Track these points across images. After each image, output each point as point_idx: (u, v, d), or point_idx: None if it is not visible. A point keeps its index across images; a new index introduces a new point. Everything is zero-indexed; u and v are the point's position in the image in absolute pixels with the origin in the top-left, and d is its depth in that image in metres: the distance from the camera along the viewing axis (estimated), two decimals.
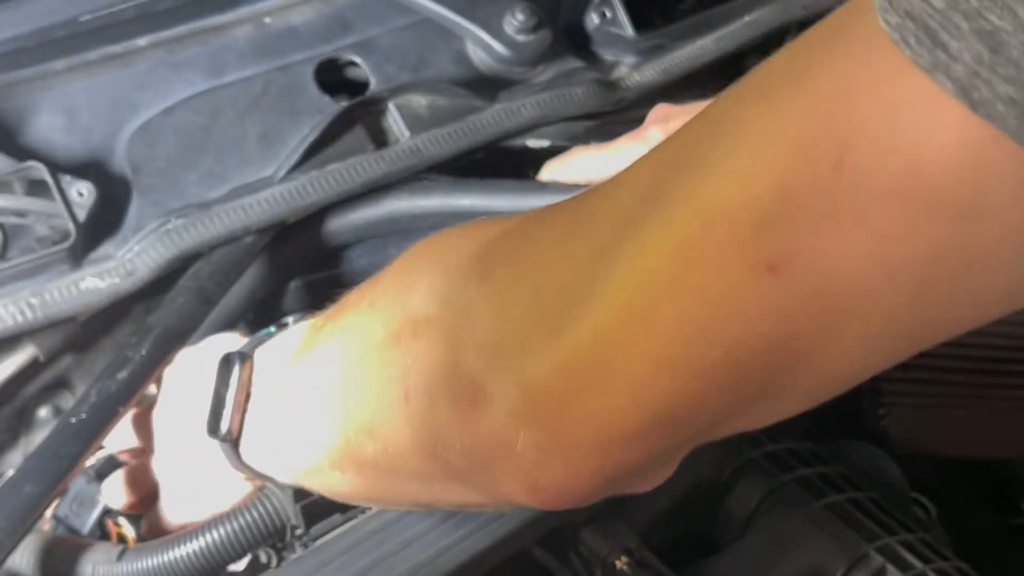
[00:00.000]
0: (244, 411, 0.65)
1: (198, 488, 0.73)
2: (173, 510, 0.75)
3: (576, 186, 0.93)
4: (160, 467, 0.76)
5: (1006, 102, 0.30)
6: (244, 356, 0.66)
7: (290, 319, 0.73)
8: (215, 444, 0.65)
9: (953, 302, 0.37)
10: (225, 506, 0.71)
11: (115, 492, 0.76)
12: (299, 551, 0.68)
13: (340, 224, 0.92)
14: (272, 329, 0.71)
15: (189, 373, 0.73)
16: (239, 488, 0.71)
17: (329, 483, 0.60)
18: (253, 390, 0.65)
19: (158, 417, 0.77)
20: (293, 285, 0.95)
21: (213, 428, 0.65)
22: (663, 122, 0.93)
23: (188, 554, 0.67)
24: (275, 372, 0.64)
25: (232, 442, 0.65)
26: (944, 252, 0.35)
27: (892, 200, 0.34)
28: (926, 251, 0.35)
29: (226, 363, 0.66)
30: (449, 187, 0.93)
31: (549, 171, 0.96)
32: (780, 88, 0.37)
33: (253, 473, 0.67)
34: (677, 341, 0.39)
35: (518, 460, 0.44)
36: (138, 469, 0.77)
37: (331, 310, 0.62)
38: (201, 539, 0.67)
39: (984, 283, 0.36)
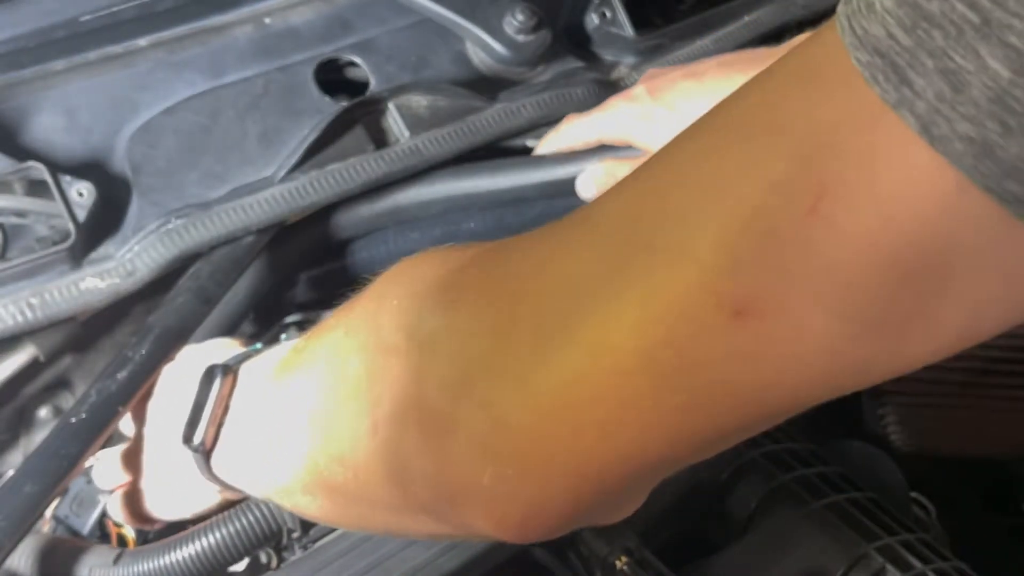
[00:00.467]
0: (220, 424, 0.65)
1: (172, 488, 0.73)
2: (150, 502, 0.76)
3: (568, 156, 0.94)
4: (145, 459, 0.76)
5: (964, 140, 0.31)
6: (227, 369, 0.66)
7: (283, 335, 0.73)
8: (188, 452, 0.66)
9: (918, 352, 0.37)
10: (194, 511, 0.72)
11: (104, 474, 0.77)
12: (298, 552, 0.68)
13: (343, 218, 0.92)
14: (259, 346, 0.72)
15: (184, 373, 0.73)
16: (209, 497, 0.71)
17: (299, 504, 0.60)
18: (232, 404, 0.65)
19: (150, 411, 0.77)
20: (295, 279, 0.96)
21: (187, 437, 0.65)
22: (649, 80, 0.94)
23: (185, 558, 0.67)
24: (254, 390, 0.65)
25: (204, 453, 0.65)
26: (914, 309, 0.35)
27: (862, 248, 0.34)
28: (896, 308, 0.35)
29: (209, 375, 0.66)
30: (449, 173, 0.93)
31: (544, 143, 0.96)
32: (753, 131, 0.37)
33: (223, 485, 0.67)
34: (643, 383, 0.39)
35: (485, 494, 0.44)
36: (131, 452, 0.77)
37: (312, 331, 0.62)
38: (198, 543, 0.67)
39: (953, 336, 0.36)
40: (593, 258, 0.41)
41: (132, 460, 0.76)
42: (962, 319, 0.36)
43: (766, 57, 0.89)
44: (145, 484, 0.76)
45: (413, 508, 0.50)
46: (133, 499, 0.76)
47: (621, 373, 0.39)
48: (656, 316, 0.38)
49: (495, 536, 0.45)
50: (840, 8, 0.34)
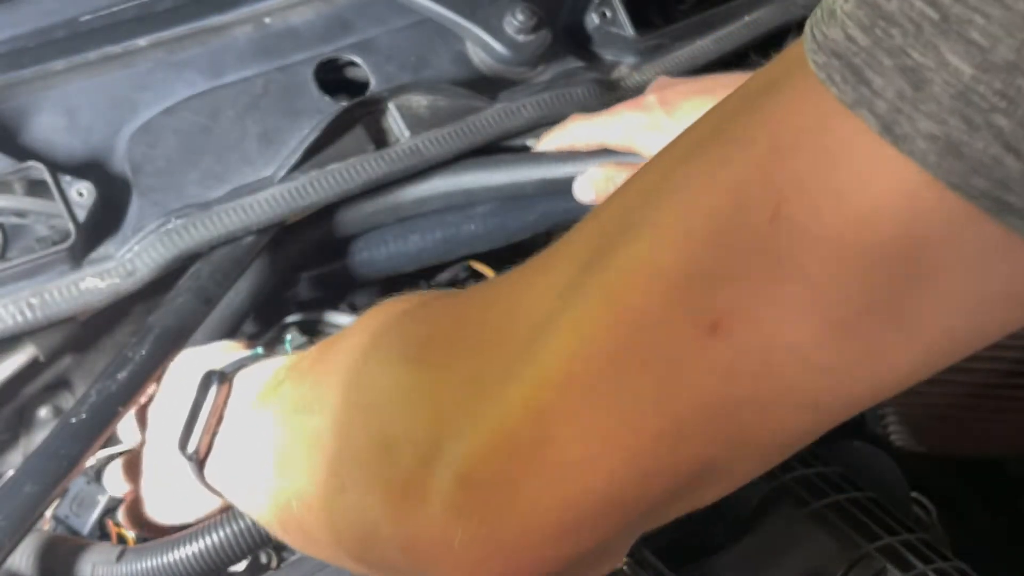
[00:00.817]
0: (214, 434, 0.65)
1: (173, 492, 0.73)
2: (151, 507, 0.76)
3: (569, 155, 0.94)
4: (145, 463, 0.76)
5: (927, 138, 0.30)
6: (223, 377, 0.66)
7: (285, 335, 0.73)
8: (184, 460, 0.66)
9: (898, 360, 0.35)
10: (195, 516, 0.72)
11: (114, 480, 0.77)
12: (299, 552, 0.68)
13: (343, 218, 0.92)
14: (260, 351, 0.72)
15: (183, 377, 0.73)
16: (209, 502, 0.71)
17: (278, 534, 0.59)
18: (225, 415, 0.66)
19: (152, 413, 0.77)
20: (295, 280, 0.96)
21: (183, 444, 0.66)
22: (660, 90, 0.94)
23: (188, 556, 0.67)
24: (241, 409, 0.65)
25: (198, 462, 0.66)
26: (887, 311, 0.34)
27: (828, 251, 0.33)
28: (868, 310, 0.34)
29: (205, 382, 0.66)
30: (447, 169, 0.93)
31: (545, 141, 0.96)
32: (716, 143, 0.36)
33: (216, 494, 0.68)
34: (620, 410, 0.37)
35: (457, 559, 0.41)
36: (137, 458, 0.77)
37: (290, 364, 0.61)
38: (201, 541, 0.67)
39: (931, 341, 0.35)
40: (560, 291, 0.39)
41: (135, 467, 0.76)
42: (943, 320, 0.34)
43: None
44: (146, 489, 0.76)
45: (384, 569, 0.49)
46: (136, 506, 0.76)
47: (593, 403, 0.37)
48: (628, 338, 0.36)
49: None
50: (809, 18, 0.35)
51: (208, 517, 0.71)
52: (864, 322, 0.34)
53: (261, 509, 0.60)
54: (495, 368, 0.40)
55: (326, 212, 0.90)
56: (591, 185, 0.90)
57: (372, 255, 0.96)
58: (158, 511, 0.75)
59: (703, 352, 0.35)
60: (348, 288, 0.99)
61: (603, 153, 0.93)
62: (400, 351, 0.47)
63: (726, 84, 0.92)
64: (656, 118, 0.90)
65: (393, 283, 0.99)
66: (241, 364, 0.68)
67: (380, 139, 0.92)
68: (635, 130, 0.91)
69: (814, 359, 0.35)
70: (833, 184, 0.32)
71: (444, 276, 1.04)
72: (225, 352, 0.75)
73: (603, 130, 0.93)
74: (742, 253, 0.34)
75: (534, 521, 0.39)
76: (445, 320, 0.47)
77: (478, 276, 1.06)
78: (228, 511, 0.69)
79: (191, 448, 0.65)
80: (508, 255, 0.97)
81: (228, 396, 0.66)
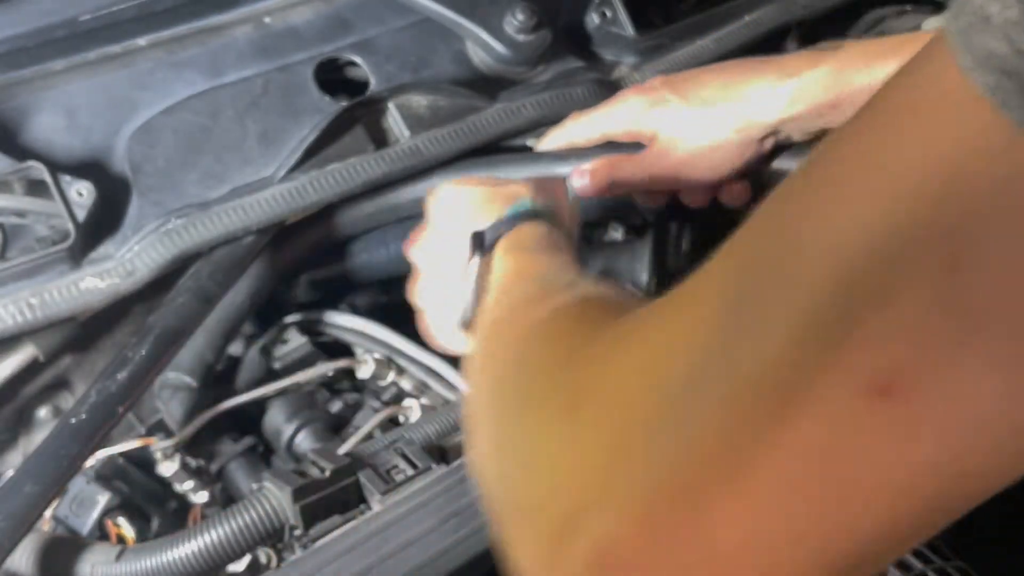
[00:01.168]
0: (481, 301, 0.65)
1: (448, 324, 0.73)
2: (433, 331, 0.77)
3: (569, 152, 0.94)
4: (421, 292, 0.77)
5: None
6: (483, 248, 0.66)
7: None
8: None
9: None
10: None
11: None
12: (299, 552, 0.68)
13: (343, 217, 0.92)
14: (528, 205, 0.69)
15: (447, 224, 0.74)
16: None
17: None
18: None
19: (421, 251, 0.77)
20: (296, 282, 0.96)
21: (465, 323, 0.66)
22: (663, 76, 0.93)
23: (187, 554, 0.67)
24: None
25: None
26: None
27: (1016, 294, 0.29)
28: None
29: (476, 244, 0.66)
30: (446, 169, 0.93)
31: (546, 139, 0.96)
32: (872, 175, 0.32)
33: None
34: (782, 499, 0.33)
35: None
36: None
37: (501, 309, 0.61)
38: (200, 539, 0.67)
39: None
40: (700, 355, 0.36)
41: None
42: None
43: (792, 59, 0.89)
44: (427, 316, 0.78)
45: None
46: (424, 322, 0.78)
47: (750, 493, 0.33)
48: (788, 411, 0.32)
49: None
50: (948, 24, 0.30)
51: None
52: None
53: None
54: (637, 436, 0.37)
55: (326, 212, 0.90)
56: (588, 172, 0.89)
57: (372, 256, 0.96)
58: (440, 338, 0.77)
59: (873, 417, 0.31)
60: (348, 290, 0.99)
61: (607, 147, 0.93)
62: (556, 398, 0.44)
63: (730, 66, 0.91)
64: (661, 96, 0.90)
65: (393, 283, 1.00)
66: (498, 233, 0.67)
67: (380, 139, 0.92)
68: (639, 111, 0.90)
69: (1003, 409, 0.31)
70: (1015, 218, 0.28)
71: None
72: (488, 203, 0.71)
73: (604, 120, 0.93)
74: (913, 305, 0.30)
75: None
76: (594, 366, 0.43)
77: None
78: (228, 508, 0.69)
79: (466, 319, 0.66)
80: None
81: (488, 272, 0.65)
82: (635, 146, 0.91)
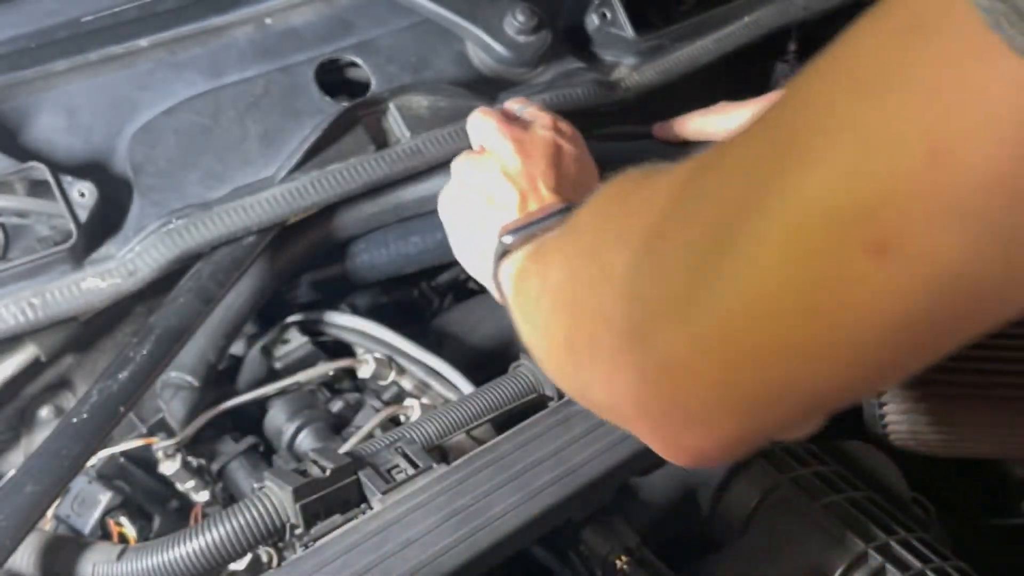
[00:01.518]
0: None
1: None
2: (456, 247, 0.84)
3: None
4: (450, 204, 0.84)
5: None
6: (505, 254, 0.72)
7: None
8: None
9: None
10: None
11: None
12: (299, 551, 0.69)
13: (344, 217, 0.92)
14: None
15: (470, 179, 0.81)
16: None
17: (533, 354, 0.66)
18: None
19: (448, 201, 0.84)
20: (297, 283, 0.96)
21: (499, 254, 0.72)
22: None
23: (188, 553, 0.67)
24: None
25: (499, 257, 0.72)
26: None
27: (989, 189, 0.34)
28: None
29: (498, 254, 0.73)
30: (447, 170, 0.94)
31: (691, 117, 0.98)
32: (874, 82, 0.37)
33: (498, 290, 0.73)
34: (798, 325, 0.41)
35: (653, 423, 0.48)
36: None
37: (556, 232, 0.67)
38: (201, 538, 0.67)
39: None
40: (733, 208, 0.43)
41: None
42: None
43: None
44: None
45: (595, 409, 0.56)
46: None
47: (775, 318, 0.41)
48: (803, 263, 0.40)
49: (668, 459, 0.51)
50: None
51: None
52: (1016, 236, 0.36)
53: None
54: (688, 270, 0.45)
55: (327, 212, 0.90)
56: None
57: (373, 257, 0.96)
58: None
59: (872, 273, 0.38)
60: (349, 291, 0.99)
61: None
62: (622, 228, 0.53)
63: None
64: None
65: (394, 283, 1.00)
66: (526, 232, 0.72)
67: (381, 139, 0.92)
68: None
69: (982, 285, 0.37)
70: (993, 123, 0.33)
71: (445, 277, 1.04)
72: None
73: (719, 121, 0.94)
74: (904, 192, 0.36)
75: (720, 403, 0.45)
76: (648, 212, 0.51)
77: None
78: (229, 507, 0.70)
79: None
80: None
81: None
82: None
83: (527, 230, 0.71)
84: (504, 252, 0.72)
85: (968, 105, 0.34)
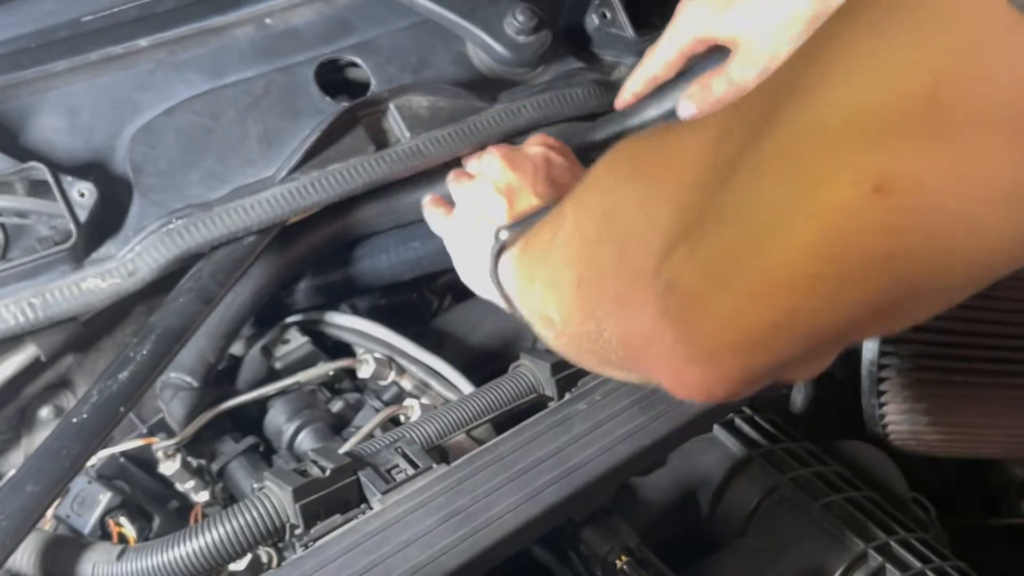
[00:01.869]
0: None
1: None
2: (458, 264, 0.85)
3: (642, 104, 0.95)
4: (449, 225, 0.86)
5: None
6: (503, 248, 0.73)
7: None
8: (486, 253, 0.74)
9: None
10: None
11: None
12: (299, 551, 0.69)
13: (344, 217, 0.93)
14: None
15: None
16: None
17: (539, 332, 0.67)
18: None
19: (447, 226, 0.86)
20: (297, 286, 0.96)
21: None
22: None
23: (188, 553, 0.67)
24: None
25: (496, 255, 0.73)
26: None
27: (984, 130, 0.36)
28: (1017, 175, 0.37)
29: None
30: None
31: (630, 81, 0.96)
32: (876, 21, 0.39)
33: (499, 287, 0.73)
34: (794, 257, 0.42)
35: (665, 359, 0.49)
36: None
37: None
38: (201, 538, 0.67)
39: None
40: (742, 139, 0.44)
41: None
42: None
43: None
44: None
45: (609, 359, 0.57)
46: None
47: (770, 248, 0.43)
48: (800, 195, 0.41)
49: (681, 396, 0.51)
50: None
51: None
52: (1019, 191, 0.37)
53: (528, 308, 0.68)
54: (696, 197, 0.47)
55: (327, 212, 0.90)
56: (691, 102, 0.90)
57: (373, 263, 0.96)
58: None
59: (865, 209, 0.39)
60: (350, 295, 0.99)
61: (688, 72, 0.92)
62: (631, 172, 0.55)
63: None
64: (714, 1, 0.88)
65: (394, 285, 1.00)
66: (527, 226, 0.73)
67: (381, 140, 0.92)
68: (706, 16, 0.88)
69: (971, 226, 0.38)
70: (986, 65, 0.35)
71: (446, 279, 1.04)
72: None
73: (674, 39, 0.91)
74: (901, 124, 0.38)
75: (724, 333, 0.46)
76: (655, 148, 0.54)
77: None
78: (229, 508, 0.70)
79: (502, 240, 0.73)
80: None
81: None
82: (719, 53, 0.89)
83: (523, 224, 0.72)
84: (501, 248, 0.72)
85: (964, 49, 0.36)
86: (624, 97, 0.96)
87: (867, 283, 0.42)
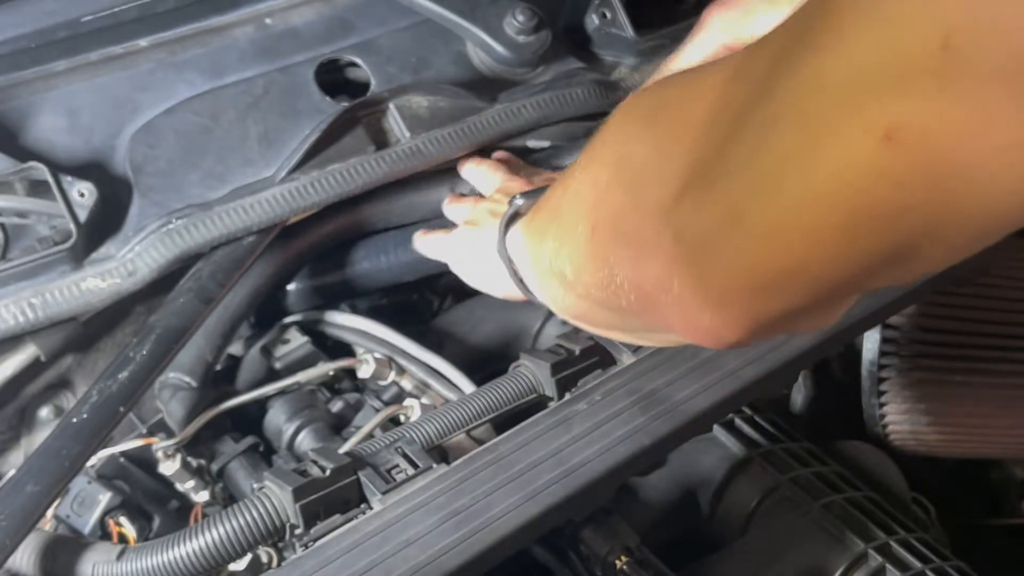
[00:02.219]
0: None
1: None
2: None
3: (554, 148, 0.95)
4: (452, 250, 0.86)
5: None
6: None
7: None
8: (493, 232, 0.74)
9: None
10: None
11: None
12: (299, 551, 0.69)
13: (345, 217, 0.92)
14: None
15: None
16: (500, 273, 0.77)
17: (549, 296, 0.67)
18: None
19: (451, 248, 0.87)
20: (297, 288, 0.96)
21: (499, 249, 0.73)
22: None
23: (188, 553, 0.67)
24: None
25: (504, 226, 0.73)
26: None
27: (994, 82, 0.36)
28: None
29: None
30: (450, 177, 0.94)
31: (684, 54, 0.92)
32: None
33: (507, 260, 0.73)
34: (800, 206, 0.42)
35: (677, 304, 0.49)
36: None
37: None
38: (201, 538, 0.67)
39: None
40: (754, 88, 0.45)
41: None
42: None
43: None
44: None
45: (622, 310, 0.56)
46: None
47: (778, 196, 0.43)
48: (810, 142, 0.41)
49: (694, 342, 0.51)
50: None
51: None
52: None
53: (538, 267, 0.68)
54: (707, 145, 0.47)
55: (326, 212, 0.90)
56: None
57: (372, 265, 0.96)
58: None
59: (874, 159, 0.39)
60: (349, 297, 0.99)
61: None
62: (646, 117, 0.56)
63: None
64: (747, 5, 0.86)
65: (394, 286, 1.00)
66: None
67: (380, 140, 0.92)
68: (736, 21, 0.86)
69: (980, 177, 0.38)
70: (1001, 19, 0.36)
71: (446, 280, 1.04)
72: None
73: (700, 45, 0.89)
74: (913, 74, 0.38)
75: (734, 279, 0.46)
76: (672, 91, 0.55)
77: None
78: (228, 507, 0.70)
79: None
80: None
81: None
82: None
83: (537, 193, 0.72)
84: (514, 215, 0.72)
85: (983, 3, 0.36)
86: None
87: (877, 233, 0.42)
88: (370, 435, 0.81)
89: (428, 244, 0.91)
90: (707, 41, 0.88)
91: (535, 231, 0.69)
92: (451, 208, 0.91)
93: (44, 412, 0.86)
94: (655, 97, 0.56)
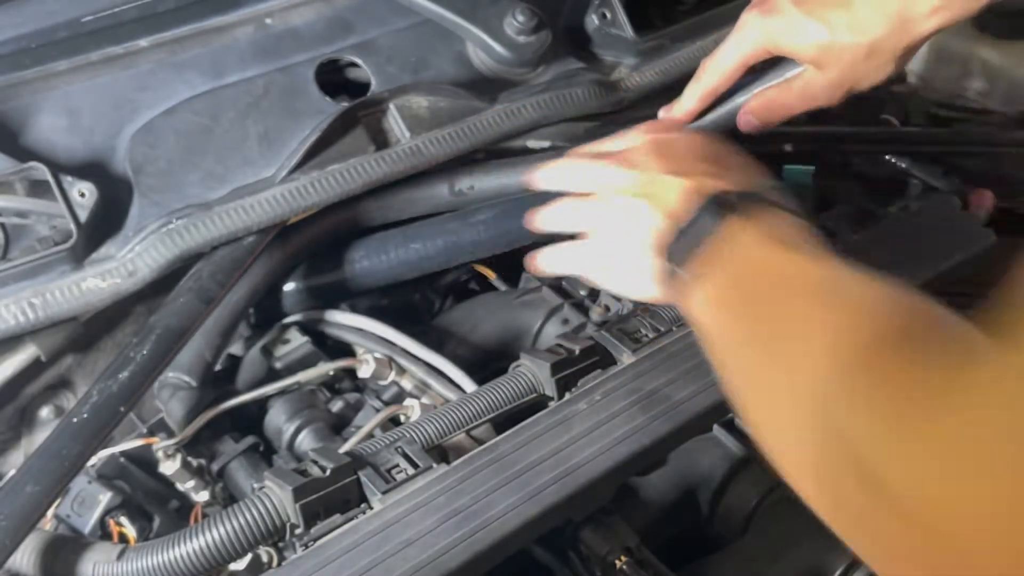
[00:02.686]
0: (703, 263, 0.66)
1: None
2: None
3: (554, 149, 0.93)
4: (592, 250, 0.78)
5: None
6: (733, 209, 0.67)
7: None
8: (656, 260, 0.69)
9: None
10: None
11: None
12: (299, 551, 0.69)
13: (345, 217, 0.93)
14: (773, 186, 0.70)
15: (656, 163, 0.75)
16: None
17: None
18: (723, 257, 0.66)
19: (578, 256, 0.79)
20: (297, 288, 0.96)
21: (673, 256, 0.67)
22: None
23: (188, 553, 0.67)
24: (714, 284, 0.65)
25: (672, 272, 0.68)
26: None
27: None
28: None
29: (721, 204, 0.67)
30: (449, 174, 0.94)
31: (687, 94, 0.89)
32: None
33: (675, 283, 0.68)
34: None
35: (908, 553, 0.49)
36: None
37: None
38: (201, 538, 0.67)
39: None
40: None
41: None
42: None
43: None
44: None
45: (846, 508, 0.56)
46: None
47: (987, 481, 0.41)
48: None
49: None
50: None
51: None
52: None
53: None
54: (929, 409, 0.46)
55: (324, 211, 0.90)
56: (751, 116, 0.87)
57: (373, 264, 0.96)
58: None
59: None
60: (349, 296, 0.99)
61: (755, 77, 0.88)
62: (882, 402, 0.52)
63: None
64: (794, 20, 0.82)
65: (394, 286, 1.00)
66: (756, 198, 0.67)
67: (381, 140, 0.92)
68: (774, 26, 0.83)
69: None
70: None
71: (447, 279, 1.04)
72: (718, 164, 0.73)
73: (735, 53, 0.85)
74: None
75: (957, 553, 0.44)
76: (895, 363, 0.52)
77: (481, 278, 1.07)
78: (228, 507, 0.70)
79: (680, 261, 0.67)
80: (509, 257, 0.97)
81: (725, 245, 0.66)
82: (786, 65, 0.86)
83: (756, 197, 0.67)
84: (728, 206, 0.66)
85: None
86: (677, 114, 0.89)
87: None
88: (370, 435, 0.81)
89: (555, 261, 0.82)
90: (744, 43, 0.86)
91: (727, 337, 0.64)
92: (558, 175, 0.81)
93: (44, 412, 0.86)
94: (876, 365, 0.53)
